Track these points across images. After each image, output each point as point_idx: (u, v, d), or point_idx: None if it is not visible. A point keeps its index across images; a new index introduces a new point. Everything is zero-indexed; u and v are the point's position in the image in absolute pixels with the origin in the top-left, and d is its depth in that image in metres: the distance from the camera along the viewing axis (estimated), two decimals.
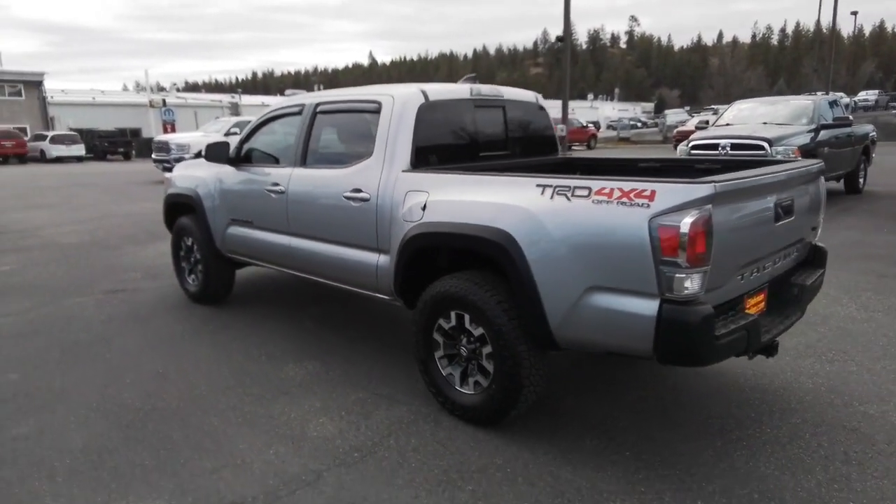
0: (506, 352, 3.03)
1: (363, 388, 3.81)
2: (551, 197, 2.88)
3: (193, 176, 5.48)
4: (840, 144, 11.06)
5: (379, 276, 3.78)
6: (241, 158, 4.98)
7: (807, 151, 9.93)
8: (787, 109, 11.21)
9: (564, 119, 19.58)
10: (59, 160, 32.72)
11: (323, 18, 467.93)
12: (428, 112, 3.77)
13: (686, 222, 2.45)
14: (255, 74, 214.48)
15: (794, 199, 3.12)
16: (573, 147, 33.27)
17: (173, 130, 28.94)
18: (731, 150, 9.83)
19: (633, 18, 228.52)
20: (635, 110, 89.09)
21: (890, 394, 3.59)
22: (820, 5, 33.36)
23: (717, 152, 9.92)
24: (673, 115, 47.29)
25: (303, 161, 4.36)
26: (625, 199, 2.63)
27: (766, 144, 9.68)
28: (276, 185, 4.46)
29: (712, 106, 49.77)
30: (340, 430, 3.32)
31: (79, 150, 33.80)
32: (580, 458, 2.99)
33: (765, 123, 10.84)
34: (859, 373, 3.89)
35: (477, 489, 2.76)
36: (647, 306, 2.57)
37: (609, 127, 54.63)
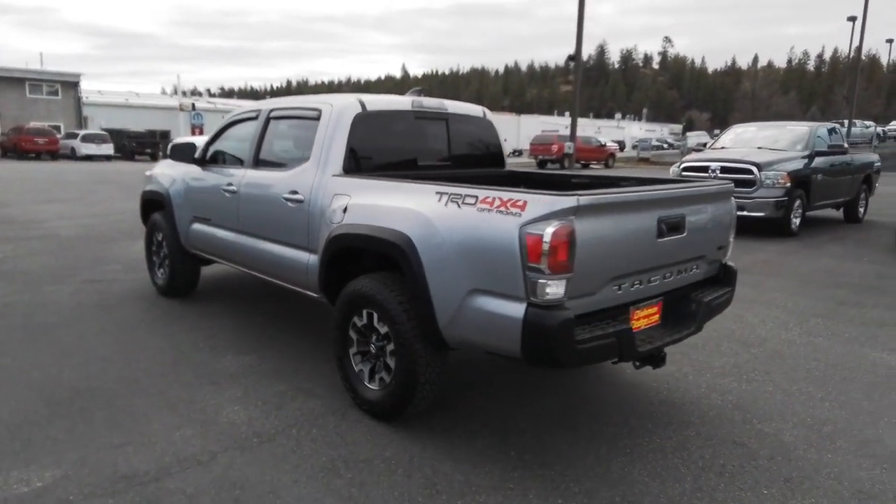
0: (404, 349, 3.19)
1: (287, 382, 3.99)
2: (446, 204, 3.05)
3: (167, 174, 5.75)
4: (837, 172, 11.00)
5: (309, 274, 3.97)
6: (207, 160, 5.23)
7: (798, 177, 9.92)
8: (784, 135, 11.18)
9: (572, 136, 19.70)
10: (89, 158, 33.78)
11: (361, 30, 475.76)
12: (363, 121, 3.96)
13: (549, 231, 2.60)
14: (289, 83, 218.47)
15: (686, 216, 3.23)
16: (590, 165, 33.28)
17: (201, 133, 29.74)
18: (720, 172, 9.85)
19: (667, 39, 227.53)
20: (663, 131, 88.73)
21: (793, 414, 3.65)
22: (852, 32, 32.88)
23: (706, 175, 9.95)
24: (694, 137, 47.15)
25: (255, 163, 4.59)
26: (502, 208, 2.79)
27: (754, 168, 9.69)
28: (230, 185, 4.69)
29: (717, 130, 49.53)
30: (250, 417, 3.49)
31: (108, 149, 34.86)
32: (465, 455, 3.12)
33: (759, 148, 10.83)
34: (773, 393, 3.95)
35: (355, 477, 2.91)
36: (516, 309, 2.72)
37: (633, 147, 54.53)
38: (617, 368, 4.24)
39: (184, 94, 49.59)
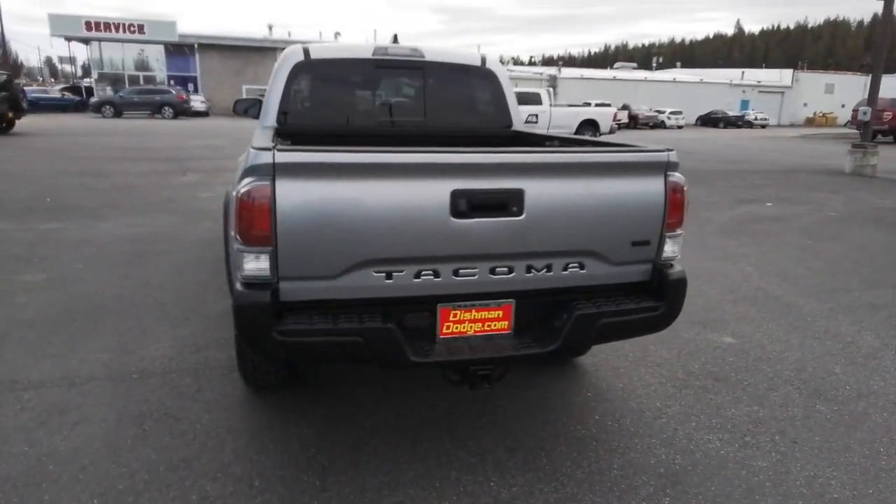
0: None
1: None
2: None
3: None
4: None
5: None
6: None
7: None
8: None
9: (872, 100, 15.17)
10: None
11: None
12: (305, 70, 3.78)
13: (239, 192, 2.18)
14: (607, 48, 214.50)
15: (526, 193, 2.36)
16: None
17: None
18: None
19: None
20: None
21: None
22: None
23: None
24: None
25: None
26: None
27: None
28: None
29: None
30: None
31: None
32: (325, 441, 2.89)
33: None
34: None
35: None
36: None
37: None
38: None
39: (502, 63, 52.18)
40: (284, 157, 2.17)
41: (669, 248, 2.66)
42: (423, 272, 2.39)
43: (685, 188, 2.62)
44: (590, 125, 22.09)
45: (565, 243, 2.49)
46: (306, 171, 2.20)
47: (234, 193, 2.20)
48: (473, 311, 2.53)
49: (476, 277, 2.45)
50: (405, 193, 2.29)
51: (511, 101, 4.23)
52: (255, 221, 2.19)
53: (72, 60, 66.13)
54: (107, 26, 39.82)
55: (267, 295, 2.24)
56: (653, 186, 2.56)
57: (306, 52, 3.78)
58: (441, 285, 2.42)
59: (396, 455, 2.79)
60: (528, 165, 2.40)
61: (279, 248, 2.21)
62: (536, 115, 21.20)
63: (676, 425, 3.11)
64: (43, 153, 14.73)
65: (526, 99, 21.65)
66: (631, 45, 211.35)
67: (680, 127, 43.30)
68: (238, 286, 2.28)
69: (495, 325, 2.57)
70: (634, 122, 41.83)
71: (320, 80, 3.87)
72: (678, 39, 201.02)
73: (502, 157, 2.37)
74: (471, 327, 2.54)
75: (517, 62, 77.87)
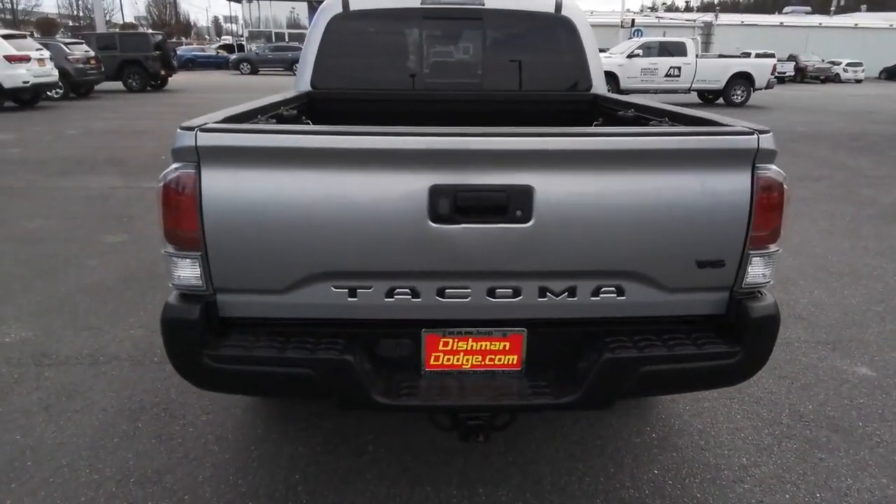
0: None
1: None
2: None
3: None
4: None
5: None
6: None
7: None
8: None
9: None
10: None
11: None
12: (343, 23, 3.29)
13: (160, 181, 1.76)
14: None
15: (536, 191, 1.71)
16: None
17: None
18: None
19: None
20: None
21: None
22: None
23: None
24: None
25: None
26: None
27: None
28: None
29: None
30: None
31: None
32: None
33: None
34: None
35: None
36: None
37: None
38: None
39: (654, 9, 48.47)
40: (210, 138, 1.69)
41: (756, 272, 1.87)
42: (397, 290, 1.83)
43: (785, 186, 1.81)
44: (743, 79, 19.53)
45: (593, 261, 1.81)
46: (240, 157, 1.71)
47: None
48: (471, 339, 1.95)
49: (469, 300, 1.85)
50: (369, 188, 1.73)
51: (593, 57, 3.42)
52: (180, 218, 1.75)
53: (232, 19, 70.90)
54: None
55: (196, 310, 1.81)
56: (732, 184, 1.77)
57: (345, 3, 3.26)
58: (422, 307, 1.86)
59: (388, 497, 2.32)
60: (538, 154, 1.73)
61: (209, 251, 1.76)
62: (679, 69, 19.13)
63: (763, 496, 2.34)
64: (182, 108, 15.67)
65: (668, 49, 19.60)
66: None
67: (858, 81, 37.53)
68: (170, 297, 1.87)
69: (500, 360, 1.97)
70: (802, 76, 36.95)
71: (360, 36, 3.34)
72: None
73: (501, 142, 1.71)
74: (467, 360, 1.97)
75: (670, 8, 71.48)
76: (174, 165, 1.74)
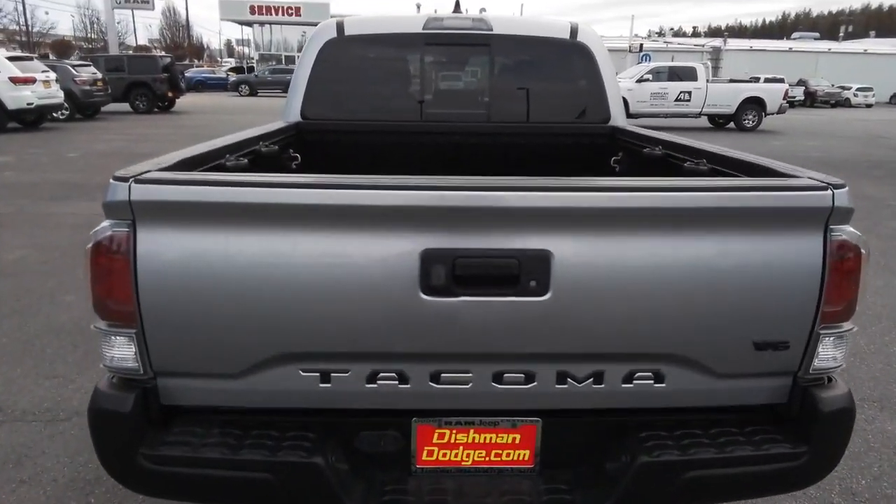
0: None
1: None
2: None
3: None
4: None
5: None
6: None
7: None
8: None
9: None
10: None
11: None
12: (337, 49, 2.98)
13: (88, 243, 1.43)
14: (785, 16, 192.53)
15: (553, 257, 1.37)
16: None
17: None
18: None
19: None
20: None
21: None
22: None
23: None
24: None
25: None
26: None
27: None
28: None
29: None
30: None
31: None
32: None
33: None
34: None
35: None
36: None
37: None
38: None
39: (661, 34, 48.71)
40: (146, 191, 1.36)
41: (827, 354, 1.51)
42: (381, 375, 1.48)
43: (863, 251, 1.46)
44: (754, 104, 19.23)
45: (626, 342, 1.45)
46: (184, 213, 1.38)
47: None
48: (472, 430, 1.59)
49: (469, 386, 1.50)
50: (346, 253, 1.39)
51: (611, 87, 3.09)
52: (111, 286, 1.42)
53: (244, 42, 71.64)
54: (268, 10, 42.45)
55: (130, 400, 1.46)
56: (800, 249, 1.42)
57: (340, 27, 2.97)
58: (412, 395, 1.50)
59: None
60: (559, 212, 1.38)
61: (146, 327, 1.42)
62: (689, 93, 18.88)
63: None
64: (186, 130, 15.49)
65: (678, 74, 19.38)
66: (815, 13, 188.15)
67: (869, 106, 37.25)
68: (100, 382, 1.53)
69: (509, 455, 1.61)
70: (812, 100, 36.70)
71: (356, 64, 3.03)
72: (874, 5, 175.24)
73: (512, 198, 1.37)
74: (468, 455, 1.61)
75: (678, 33, 71.75)
76: (105, 223, 1.41)
